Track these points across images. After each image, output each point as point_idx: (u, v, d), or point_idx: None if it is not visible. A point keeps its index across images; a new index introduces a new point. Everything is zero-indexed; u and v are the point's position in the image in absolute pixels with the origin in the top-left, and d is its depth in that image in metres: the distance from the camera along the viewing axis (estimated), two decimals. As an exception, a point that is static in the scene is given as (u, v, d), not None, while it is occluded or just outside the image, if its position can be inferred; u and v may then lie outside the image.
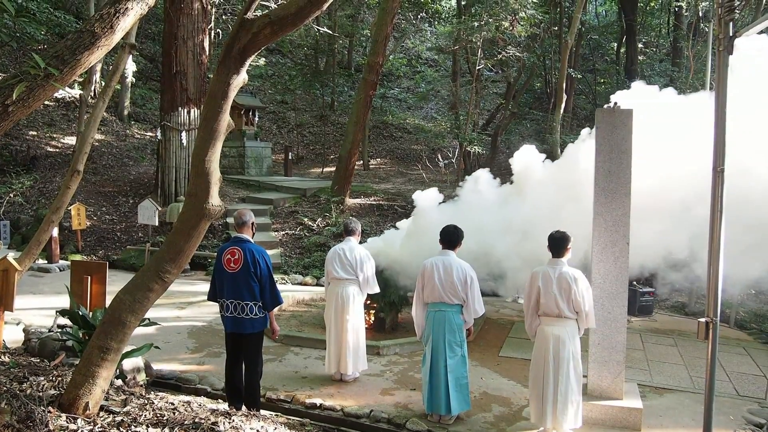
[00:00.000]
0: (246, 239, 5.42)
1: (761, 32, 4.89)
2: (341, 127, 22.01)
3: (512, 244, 7.84)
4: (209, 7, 14.83)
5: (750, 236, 6.58)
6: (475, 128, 17.98)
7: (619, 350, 5.73)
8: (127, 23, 4.11)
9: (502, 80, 22.12)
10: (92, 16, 4.15)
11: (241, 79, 3.86)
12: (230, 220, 12.90)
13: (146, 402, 4.37)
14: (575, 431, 5.26)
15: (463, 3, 19.00)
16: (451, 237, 5.73)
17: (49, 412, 3.75)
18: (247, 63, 3.85)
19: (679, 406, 6.20)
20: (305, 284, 11.33)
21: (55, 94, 18.18)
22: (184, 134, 13.73)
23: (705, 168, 4.20)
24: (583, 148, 7.67)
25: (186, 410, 4.33)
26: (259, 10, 4.29)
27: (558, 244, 5.25)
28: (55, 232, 11.09)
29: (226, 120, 3.91)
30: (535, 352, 5.29)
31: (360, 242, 6.86)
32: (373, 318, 8.44)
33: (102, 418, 3.91)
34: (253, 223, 5.55)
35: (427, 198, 8.49)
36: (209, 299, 5.64)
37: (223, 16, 19.12)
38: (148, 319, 5.79)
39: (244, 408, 5.13)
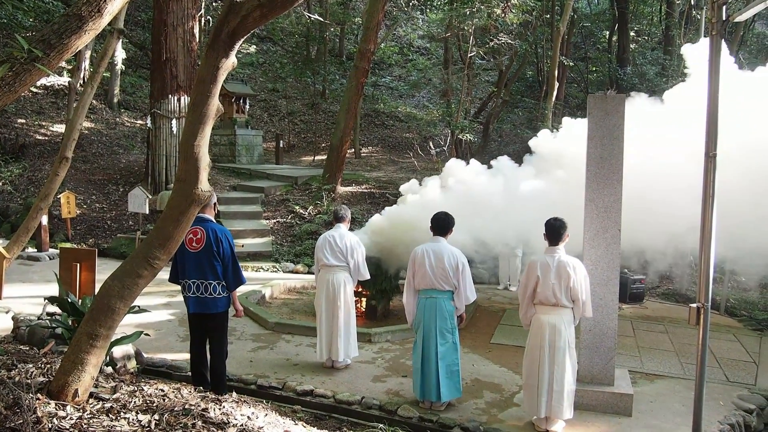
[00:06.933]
0: (208, 219, 5.44)
1: (754, 17, 4.87)
2: (333, 115, 21.90)
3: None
4: (199, -7, 14.67)
5: None
6: (466, 116, 17.96)
7: (610, 336, 5.75)
8: (114, 7, 4.03)
9: (494, 68, 22.06)
10: (79, 0, 4.07)
11: (230, 62, 3.81)
12: (222, 207, 12.87)
13: (136, 389, 4.34)
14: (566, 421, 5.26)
15: (455, -10, 18.89)
16: (442, 224, 5.72)
17: (38, 398, 3.72)
18: (237, 46, 3.80)
19: (669, 392, 6.24)
20: (296, 272, 11.31)
21: (44, 82, 18.01)
22: (174, 122, 13.61)
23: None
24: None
25: (176, 397, 4.31)
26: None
27: (555, 231, 5.15)
28: (45, 220, 11.01)
29: (215, 104, 3.86)
30: (530, 341, 5.24)
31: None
32: (364, 305, 8.43)
33: (91, 405, 3.88)
34: (215, 205, 5.68)
35: None
36: (170, 281, 5.61)
37: (213, 3, 18.93)
38: (138, 306, 5.76)
39: (235, 394, 5.11)
